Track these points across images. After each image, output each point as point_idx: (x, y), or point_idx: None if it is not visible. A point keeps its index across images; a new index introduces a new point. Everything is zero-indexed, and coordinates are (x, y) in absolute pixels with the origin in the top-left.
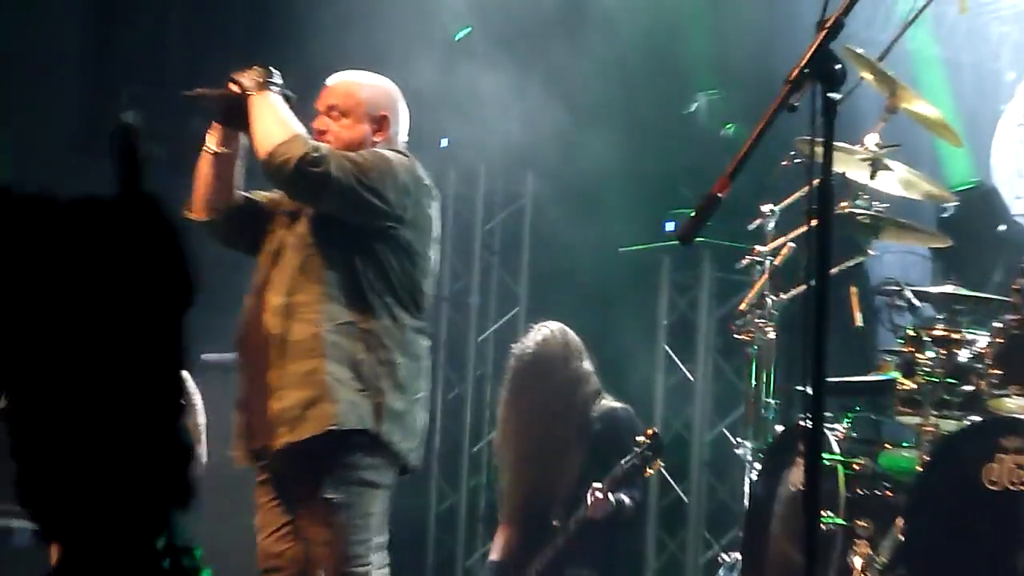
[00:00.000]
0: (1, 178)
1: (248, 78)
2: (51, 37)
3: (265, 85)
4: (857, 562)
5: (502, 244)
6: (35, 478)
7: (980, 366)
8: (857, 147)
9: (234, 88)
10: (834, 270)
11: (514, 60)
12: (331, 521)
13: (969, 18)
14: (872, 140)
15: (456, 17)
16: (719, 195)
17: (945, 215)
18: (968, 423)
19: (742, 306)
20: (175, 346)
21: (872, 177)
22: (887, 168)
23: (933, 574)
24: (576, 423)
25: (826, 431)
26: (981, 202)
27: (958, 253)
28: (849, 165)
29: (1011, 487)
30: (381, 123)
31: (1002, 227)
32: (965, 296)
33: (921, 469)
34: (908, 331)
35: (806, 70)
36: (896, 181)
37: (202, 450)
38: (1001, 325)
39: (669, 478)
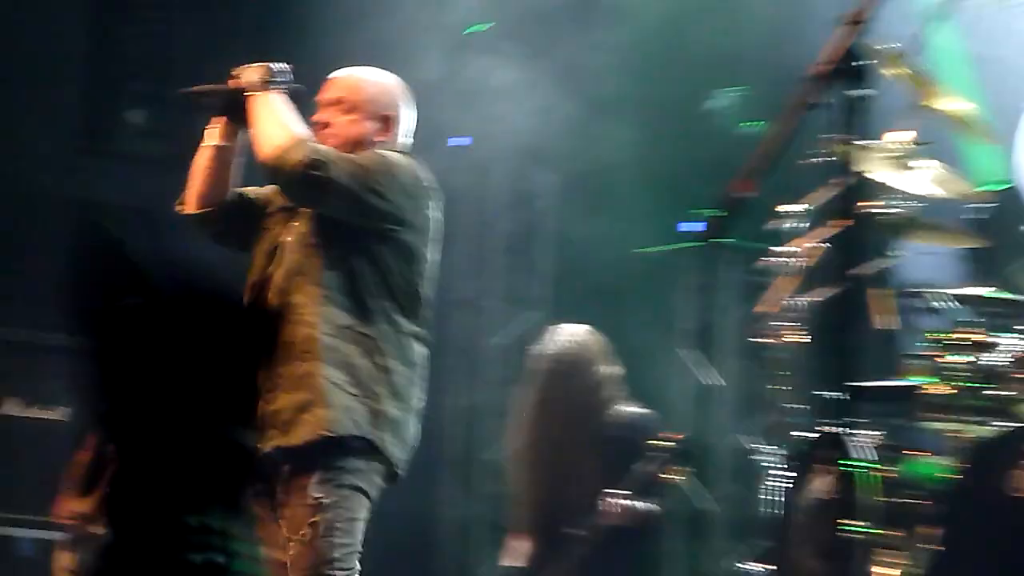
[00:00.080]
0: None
1: (251, 75)
2: (54, 36)
3: (268, 84)
4: (885, 572)
5: (516, 245)
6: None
7: (1009, 370)
8: (882, 145)
9: (236, 83)
10: (861, 271)
11: (528, 54)
12: (315, 521)
13: (993, 12)
14: (898, 137)
15: (470, 11)
16: (742, 195)
17: (976, 215)
18: (997, 429)
19: (760, 309)
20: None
21: (900, 176)
22: (915, 167)
23: None
24: (598, 428)
25: (852, 437)
26: (1014, 202)
27: (989, 254)
28: (875, 164)
29: None
30: (385, 123)
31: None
32: (995, 298)
33: (949, 476)
34: (936, 335)
35: (831, 66)
36: (927, 179)
37: None
38: None
39: (692, 485)
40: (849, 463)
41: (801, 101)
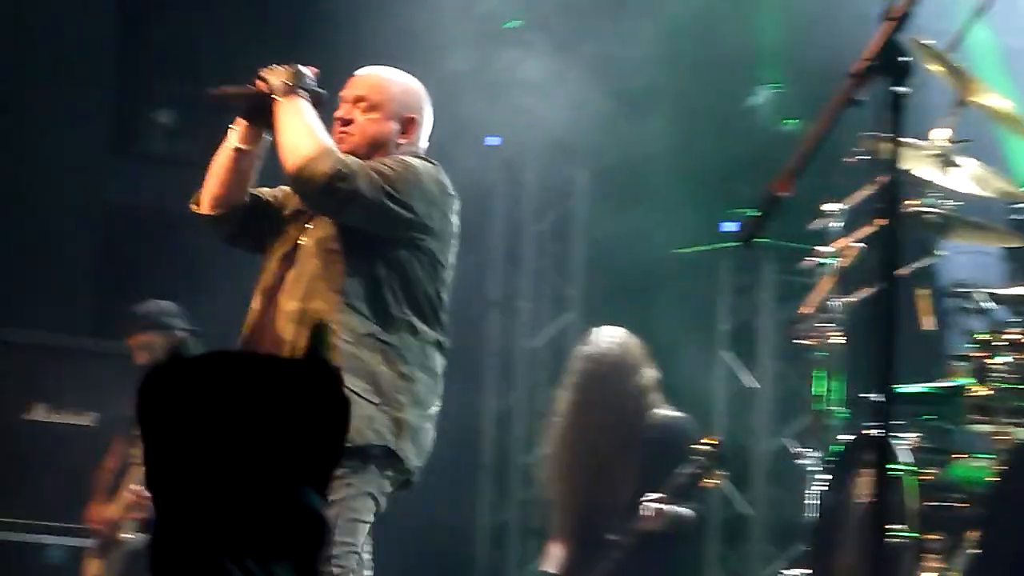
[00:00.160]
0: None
1: (277, 78)
2: (83, 36)
3: (294, 89)
4: None
5: (549, 245)
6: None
7: None
8: (925, 142)
9: (261, 86)
10: (903, 271)
11: (560, 47)
12: None
13: None
14: (941, 135)
15: (502, 2)
16: (781, 195)
17: (1017, 215)
18: None
19: (803, 310)
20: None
21: (942, 174)
22: (957, 164)
23: None
24: (637, 432)
25: (894, 440)
26: None
27: None
28: (917, 161)
29: None
30: (408, 125)
31: None
32: None
33: (994, 479)
34: (980, 335)
35: (872, 63)
36: (968, 178)
37: None
38: None
39: (731, 490)
40: (891, 466)
41: (842, 98)
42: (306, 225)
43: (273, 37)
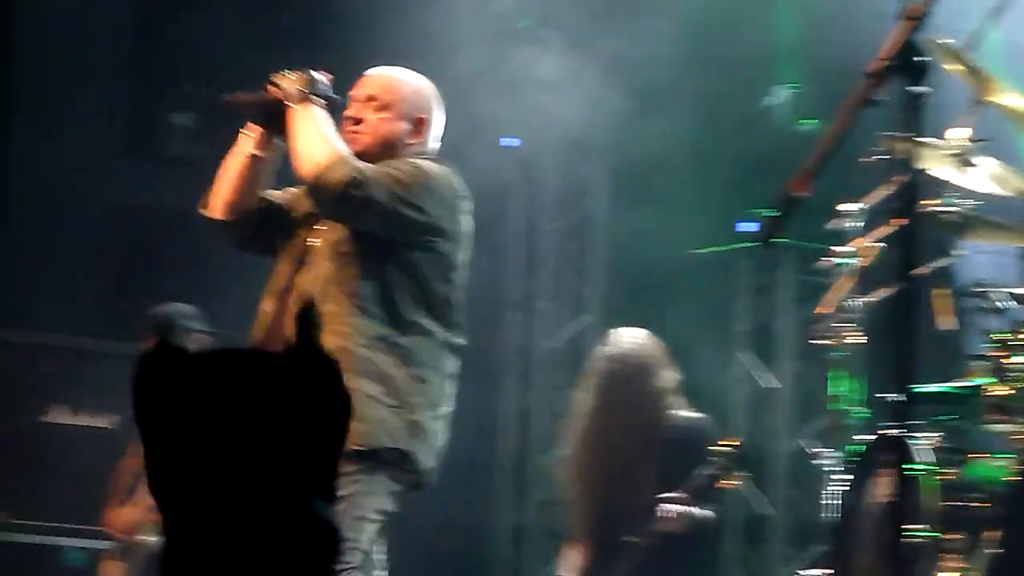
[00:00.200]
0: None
1: (290, 84)
2: (97, 39)
3: (307, 95)
4: None
5: (566, 245)
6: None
7: None
8: (943, 142)
9: (275, 92)
10: (921, 271)
11: (580, 49)
12: None
13: None
14: (959, 134)
15: (518, 2)
16: (799, 194)
17: None
18: None
19: (821, 310)
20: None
21: (960, 173)
22: (975, 164)
23: None
24: (656, 433)
25: (915, 440)
26: None
27: None
28: (935, 161)
29: None
30: (418, 126)
31: None
32: None
33: (1013, 478)
34: (998, 335)
35: (889, 62)
36: (986, 177)
37: None
38: None
39: (750, 490)
40: (910, 466)
41: (859, 98)
42: (317, 227)
43: (289, 38)
